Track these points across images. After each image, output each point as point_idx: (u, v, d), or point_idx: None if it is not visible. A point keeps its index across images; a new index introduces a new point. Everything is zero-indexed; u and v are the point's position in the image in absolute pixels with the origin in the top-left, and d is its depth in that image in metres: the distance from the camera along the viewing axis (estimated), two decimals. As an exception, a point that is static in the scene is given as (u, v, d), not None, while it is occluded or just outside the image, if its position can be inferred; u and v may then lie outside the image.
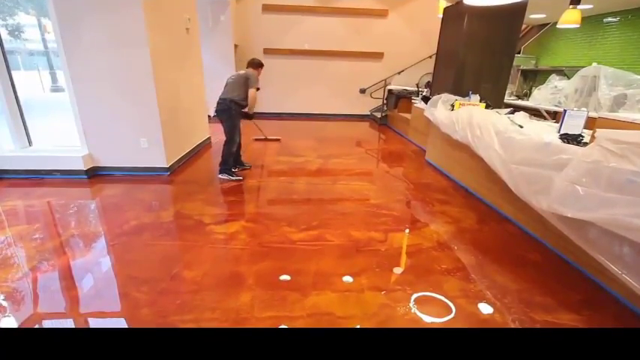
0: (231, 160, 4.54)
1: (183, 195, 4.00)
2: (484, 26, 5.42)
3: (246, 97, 4.30)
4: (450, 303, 2.29)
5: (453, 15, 5.84)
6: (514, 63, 6.07)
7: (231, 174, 4.50)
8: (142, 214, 3.43)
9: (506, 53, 5.64)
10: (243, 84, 4.29)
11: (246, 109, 4.41)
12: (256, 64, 4.48)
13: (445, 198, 4.10)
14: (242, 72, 4.39)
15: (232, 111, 4.30)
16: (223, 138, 4.41)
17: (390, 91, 8.77)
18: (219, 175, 4.51)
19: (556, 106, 5.93)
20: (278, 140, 6.62)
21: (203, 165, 5.20)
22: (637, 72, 5.19)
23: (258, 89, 4.33)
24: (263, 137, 6.57)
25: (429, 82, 7.73)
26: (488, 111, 4.18)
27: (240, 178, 4.52)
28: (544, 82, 6.54)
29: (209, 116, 5.88)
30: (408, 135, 7.10)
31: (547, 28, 7.64)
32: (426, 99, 6.07)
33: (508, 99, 6.87)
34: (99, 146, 4.38)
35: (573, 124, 2.90)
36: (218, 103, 4.32)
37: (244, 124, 4.61)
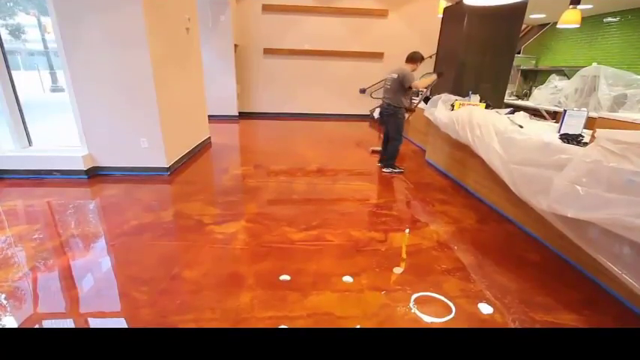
0: (397, 156, 4.95)
1: (184, 195, 3.99)
2: (484, 26, 5.43)
3: (406, 100, 4.72)
4: (450, 303, 2.29)
5: (453, 15, 5.84)
6: (514, 63, 6.07)
7: (394, 167, 4.94)
8: (142, 214, 3.43)
9: (507, 53, 5.65)
10: (397, 90, 4.63)
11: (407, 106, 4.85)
12: (409, 58, 4.67)
13: (445, 198, 4.10)
14: (394, 75, 4.60)
15: (399, 115, 4.75)
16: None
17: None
18: (384, 170, 4.96)
19: (556, 106, 5.93)
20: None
21: (203, 165, 5.20)
22: (637, 72, 5.20)
23: (410, 88, 4.60)
24: (378, 148, 5.51)
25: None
26: (488, 111, 4.18)
27: (403, 170, 4.95)
28: (544, 82, 6.55)
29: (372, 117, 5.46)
30: (408, 135, 7.10)
31: (547, 28, 7.65)
32: (426, 99, 6.07)
33: (508, 99, 6.88)
34: (99, 146, 4.38)
35: (573, 124, 2.90)
36: (384, 108, 4.79)
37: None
